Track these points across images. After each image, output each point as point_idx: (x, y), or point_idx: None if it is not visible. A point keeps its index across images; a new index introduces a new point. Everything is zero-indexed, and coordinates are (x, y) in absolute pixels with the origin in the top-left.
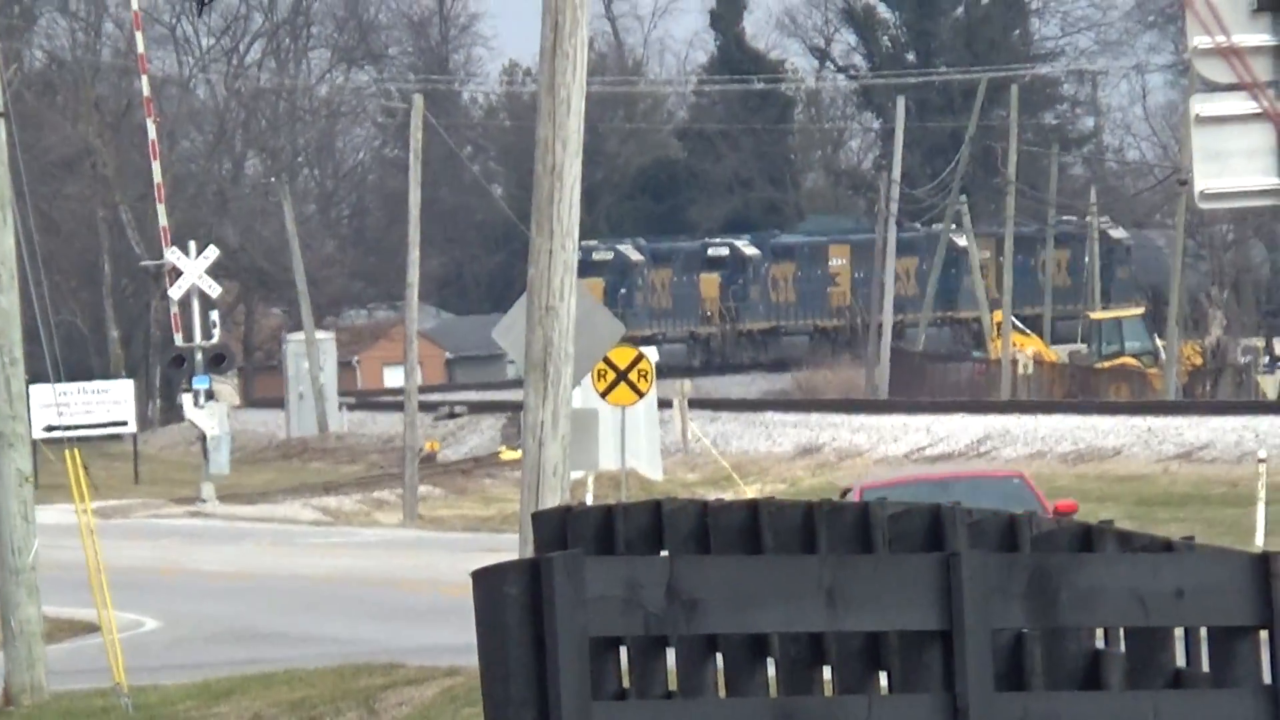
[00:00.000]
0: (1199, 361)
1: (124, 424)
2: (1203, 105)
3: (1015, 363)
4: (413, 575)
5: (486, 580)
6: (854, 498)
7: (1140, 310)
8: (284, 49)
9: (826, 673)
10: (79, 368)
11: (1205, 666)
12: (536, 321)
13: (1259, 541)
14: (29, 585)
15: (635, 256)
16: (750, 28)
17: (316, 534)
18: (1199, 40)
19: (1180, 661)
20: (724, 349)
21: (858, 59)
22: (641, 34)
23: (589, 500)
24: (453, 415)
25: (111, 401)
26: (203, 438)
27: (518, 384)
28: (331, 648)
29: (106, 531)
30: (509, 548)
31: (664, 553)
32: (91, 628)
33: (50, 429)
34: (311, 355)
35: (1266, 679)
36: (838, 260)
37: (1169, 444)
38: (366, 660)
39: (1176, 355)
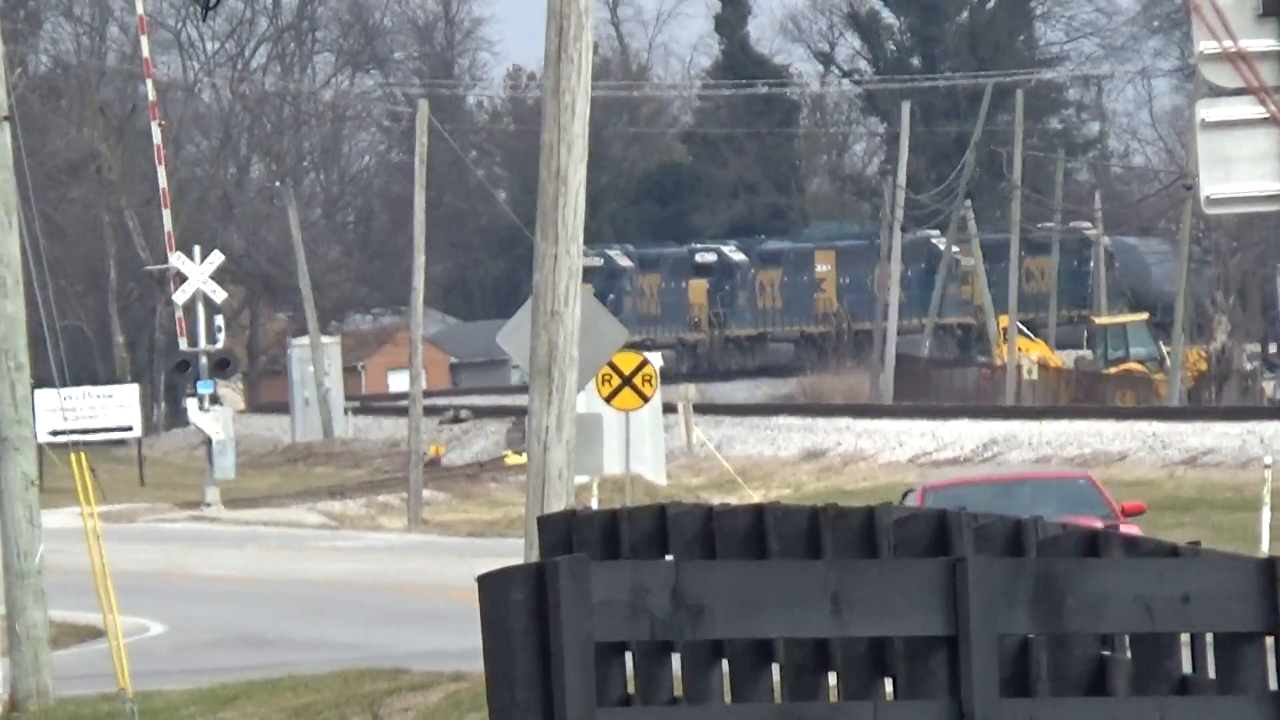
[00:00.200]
0: (1204, 367)
1: (129, 428)
2: (1209, 110)
3: (1020, 368)
4: (417, 580)
5: (492, 585)
6: (916, 499)
7: (1145, 316)
8: (289, 53)
9: (832, 678)
10: (84, 372)
11: (1211, 672)
12: (541, 326)
13: (1264, 547)
14: (34, 590)
15: (624, 262)
16: (754, 32)
17: (321, 538)
18: (1205, 45)
19: (1186, 668)
20: (711, 355)
21: (862, 63)
22: (646, 39)
23: (594, 505)
24: (457, 420)
25: (116, 406)
26: (207, 442)
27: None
28: (336, 653)
29: (111, 536)
30: (514, 552)
31: (669, 557)
32: (97, 632)
33: (55, 433)
34: (316, 360)
35: (1273, 685)
36: (823, 266)
37: (1174, 449)
38: (371, 665)
39: (1181, 360)
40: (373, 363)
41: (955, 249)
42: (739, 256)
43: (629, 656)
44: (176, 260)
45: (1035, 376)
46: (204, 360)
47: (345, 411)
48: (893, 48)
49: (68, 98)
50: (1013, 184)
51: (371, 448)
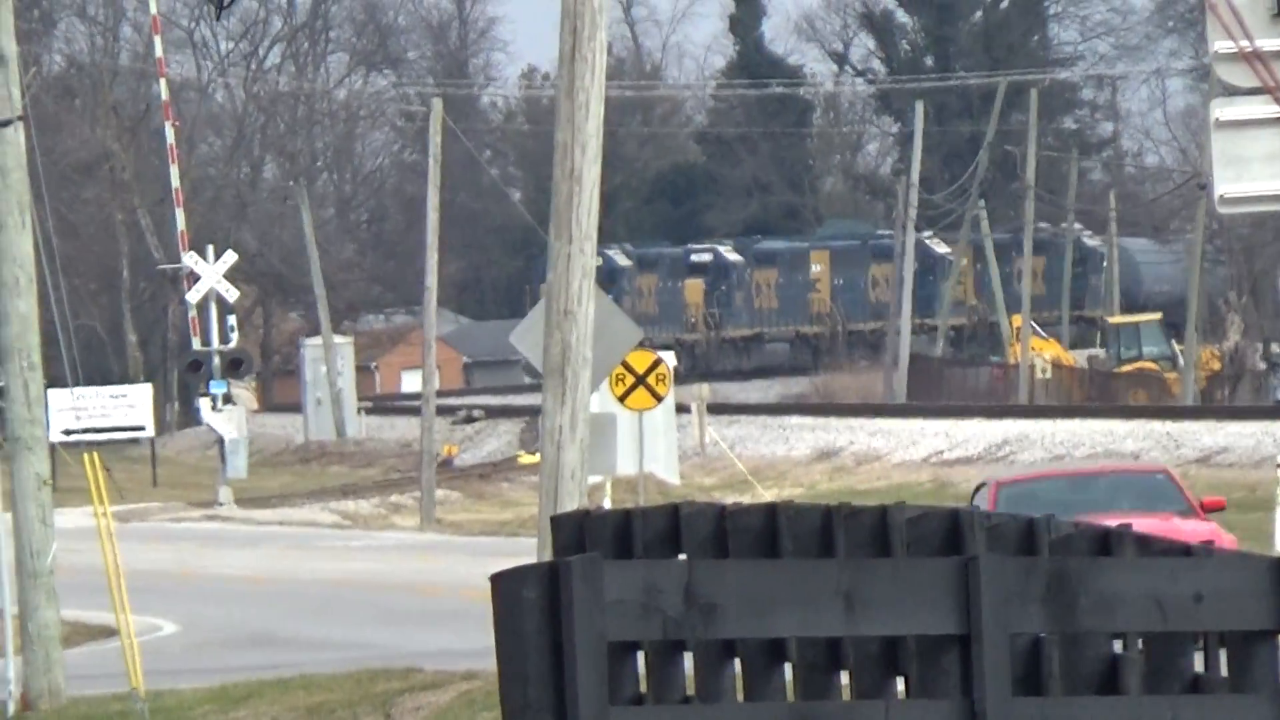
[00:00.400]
0: (1217, 366)
1: (141, 428)
2: (1223, 110)
3: (1034, 367)
4: (430, 579)
5: (505, 584)
6: (989, 494)
7: (1159, 315)
8: (302, 53)
9: (844, 677)
10: (97, 372)
11: (1224, 672)
12: (555, 326)
13: (1277, 546)
14: (47, 589)
15: (623, 262)
16: (769, 32)
17: (334, 538)
18: (1220, 45)
19: (1198, 666)
20: (709, 355)
21: (876, 63)
22: (660, 38)
23: (606, 504)
24: (470, 420)
25: (129, 406)
26: (220, 442)
27: (535, 388)
28: (349, 652)
29: (124, 535)
30: (527, 552)
31: (681, 557)
32: (109, 632)
33: (68, 433)
34: (329, 360)
35: None
36: (818, 266)
37: (1187, 449)
38: (384, 665)
39: (1195, 360)
40: (386, 362)
41: (947, 249)
42: (735, 256)
43: (641, 655)
44: (190, 260)
45: (1049, 376)
46: (217, 360)
47: (358, 411)
48: (907, 48)
49: (81, 97)
50: (1026, 184)
51: (384, 447)
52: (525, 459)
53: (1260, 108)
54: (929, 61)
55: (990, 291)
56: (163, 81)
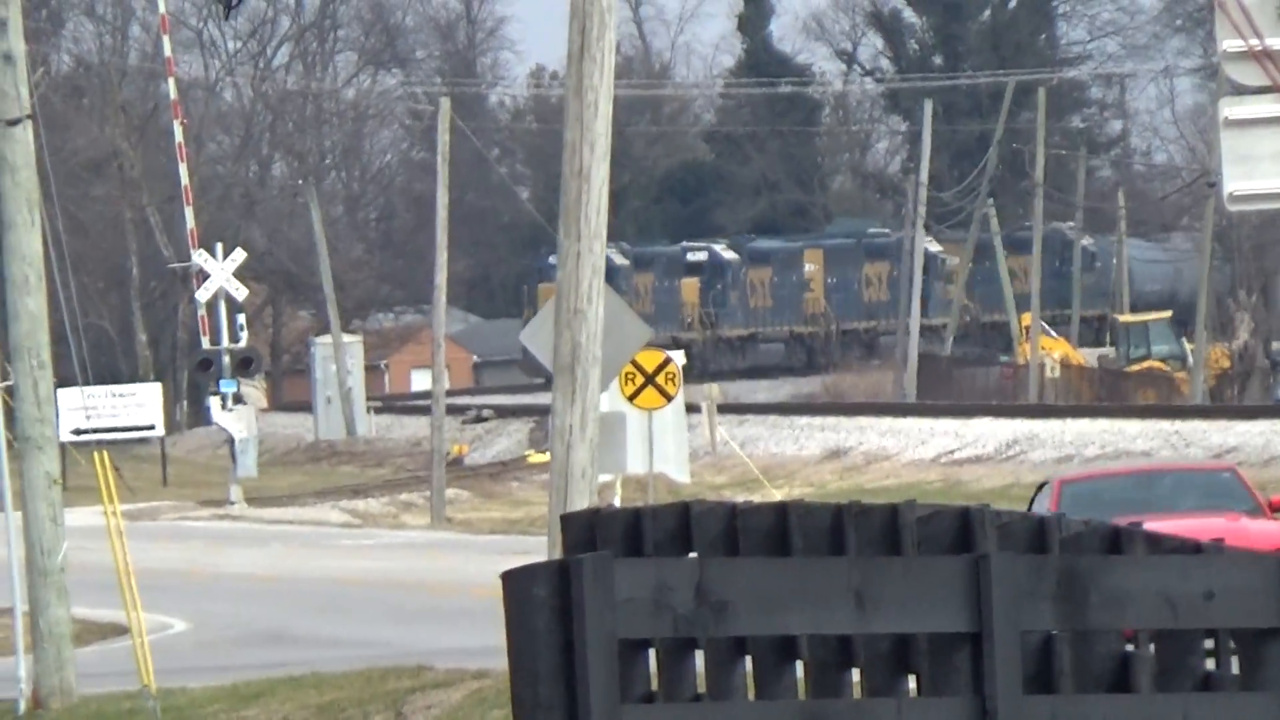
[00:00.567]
0: (1226, 365)
1: (151, 427)
2: (1232, 108)
3: (1043, 366)
4: (441, 578)
5: (516, 582)
6: (1052, 493)
7: (1168, 314)
8: (311, 52)
9: (855, 675)
10: (107, 371)
11: (1235, 669)
12: (564, 324)
13: None
14: (58, 587)
15: (619, 260)
16: (777, 31)
17: (344, 536)
18: (1229, 43)
19: (1209, 664)
20: (704, 355)
21: (884, 62)
22: (668, 37)
23: (616, 503)
24: (480, 419)
25: (138, 405)
26: (230, 441)
27: (545, 387)
28: (359, 650)
29: (134, 534)
30: (537, 550)
31: (692, 555)
32: (120, 630)
33: (78, 432)
34: (339, 358)
35: None
36: (811, 266)
37: (1196, 447)
38: (394, 663)
39: (1204, 359)
40: (395, 361)
41: (939, 248)
42: (730, 255)
43: (652, 653)
44: (199, 258)
45: (1058, 375)
46: (226, 358)
47: (368, 410)
48: (915, 47)
49: (90, 96)
50: (1035, 182)
51: (394, 446)
52: (535, 458)
53: (1269, 106)
54: (937, 61)
55: (981, 291)
56: (171, 80)
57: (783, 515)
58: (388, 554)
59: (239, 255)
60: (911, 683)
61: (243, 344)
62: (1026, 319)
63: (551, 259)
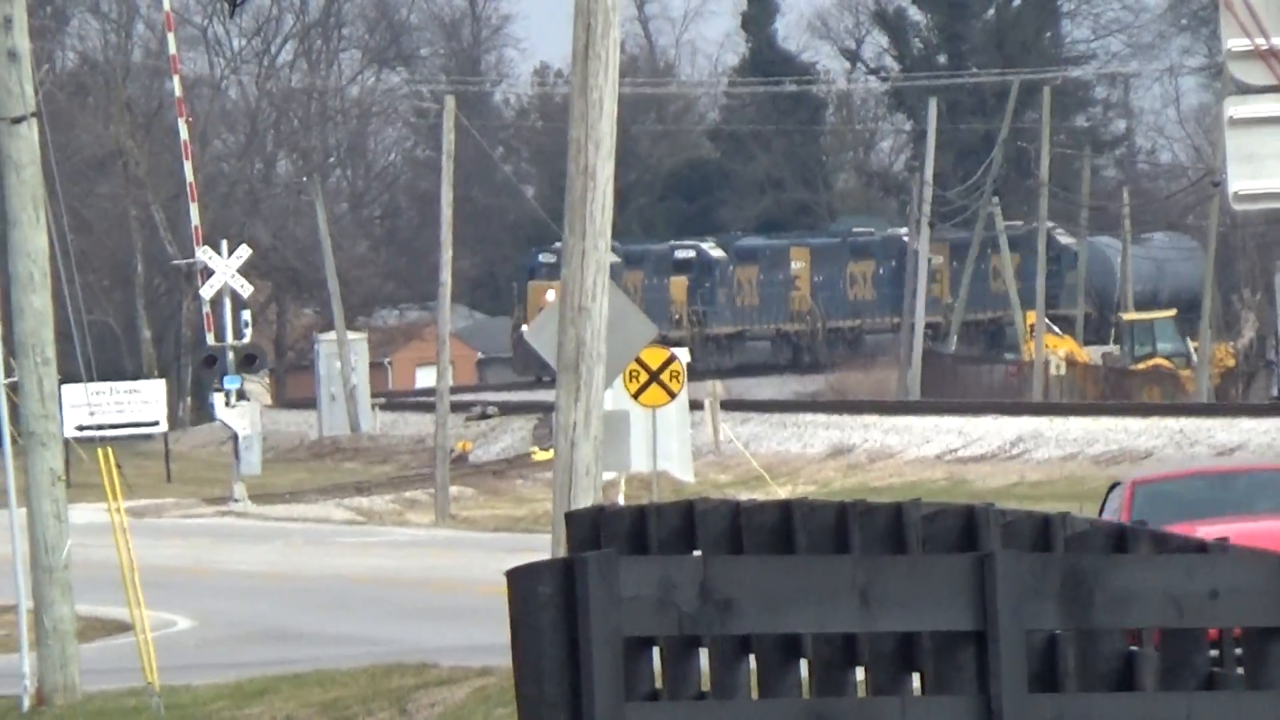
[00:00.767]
0: (1231, 363)
1: (155, 424)
2: (1237, 108)
3: (1048, 364)
4: (445, 575)
5: (521, 579)
6: (1124, 494)
7: (1173, 312)
8: (315, 50)
9: (859, 674)
10: (111, 367)
11: (1239, 668)
12: (569, 322)
13: None
14: (62, 584)
15: (610, 259)
16: (782, 30)
17: (348, 534)
18: (1234, 42)
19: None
20: (693, 353)
21: (889, 61)
22: (673, 35)
23: (620, 501)
24: (484, 416)
25: (142, 401)
26: (234, 438)
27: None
28: (363, 647)
29: (138, 531)
30: (541, 548)
31: (696, 553)
32: (124, 627)
33: (82, 428)
34: (343, 355)
35: None
36: (798, 264)
37: (1201, 446)
38: (398, 660)
39: (1209, 357)
40: (400, 358)
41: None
42: (718, 253)
43: (657, 651)
44: (203, 255)
45: (1063, 373)
46: (231, 355)
47: (372, 407)
48: (919, 45)
49: (94, 94)
50: (1039, 181)
51: (398, 443)
52: (539, 455)
53: (1274, 105)
54: (942, 59)
55: (969, 289)
56: (176, 78)
57: (787, 513)
58: (391, 551)
59: (244, 252)
60: (916, 681)
61: (247, 341)
62: (1031, 317)
63: (541, 257)
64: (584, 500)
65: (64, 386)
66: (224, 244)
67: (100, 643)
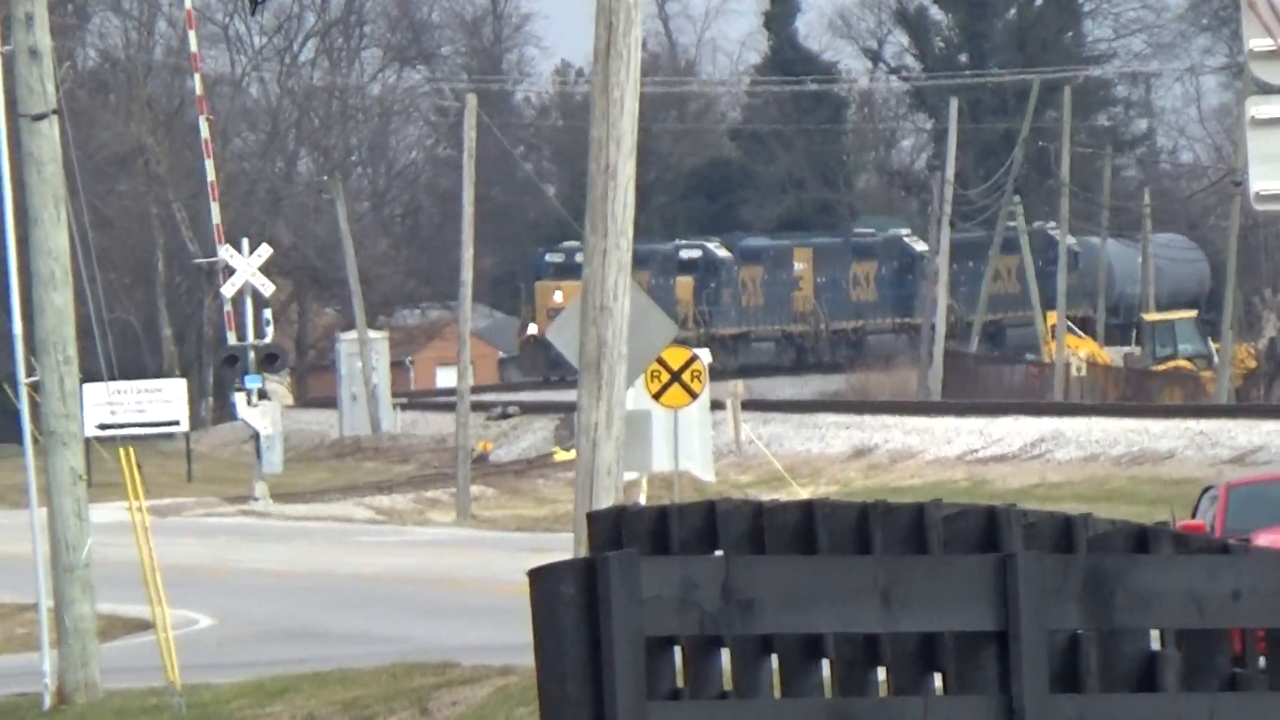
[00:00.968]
0: (1253, 364)
1: (176, 423)
2: (1258, 107)
3: (1069, 365)
4: (466, 574)
5: (543, 579)
6: (1219, 497)
7: (1194, 313)
8: (337, 48)
9: (881, 674)
10: (132, 366)
11: (1262, 669)
12: (590, 321)
13: None
14: (83, 583)
15: None
16: (803, 28)
17: (369, 533)
18: (1256, 42)
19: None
20: None
21: (910, 60)
22: (694, 34)
23: (641, 501)
24: (505, 416)
25: (164, 400)
26: (255, 437)
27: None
28: (384, 646)
29: (159, 530)
30: (562, 548)
31: (718, 553)
32: (145, 626)
33: (103, 427)
34: (364, 355)
35: None
36: (800, 264)
37: (1222, 447)
38: (419, 659)
39: (1230, 358)
40: (421, 358)
41: (926, 247)
42: (724, 254)
43: (679, 651)
44: (225, 253)
45: (1084, 374)
46: (252, 354)
47: (393, 407)
48: (941, 44)
49: (115, 92)
50: (1061, 180)
51: (419, 443)
52: (560, 455)
53: None
54: (963, 58)
55: (966, 290)
56: (197, 76)
57: (809, 514)
58: (412, 551)
59: (265, 251)
60: (938, 681)
61: (268, 340)
62: (1052, 318)
63: (549, 257)
64: (605, 500)
65: (85, 385)
66: (245, 242)
67: (121, 641)
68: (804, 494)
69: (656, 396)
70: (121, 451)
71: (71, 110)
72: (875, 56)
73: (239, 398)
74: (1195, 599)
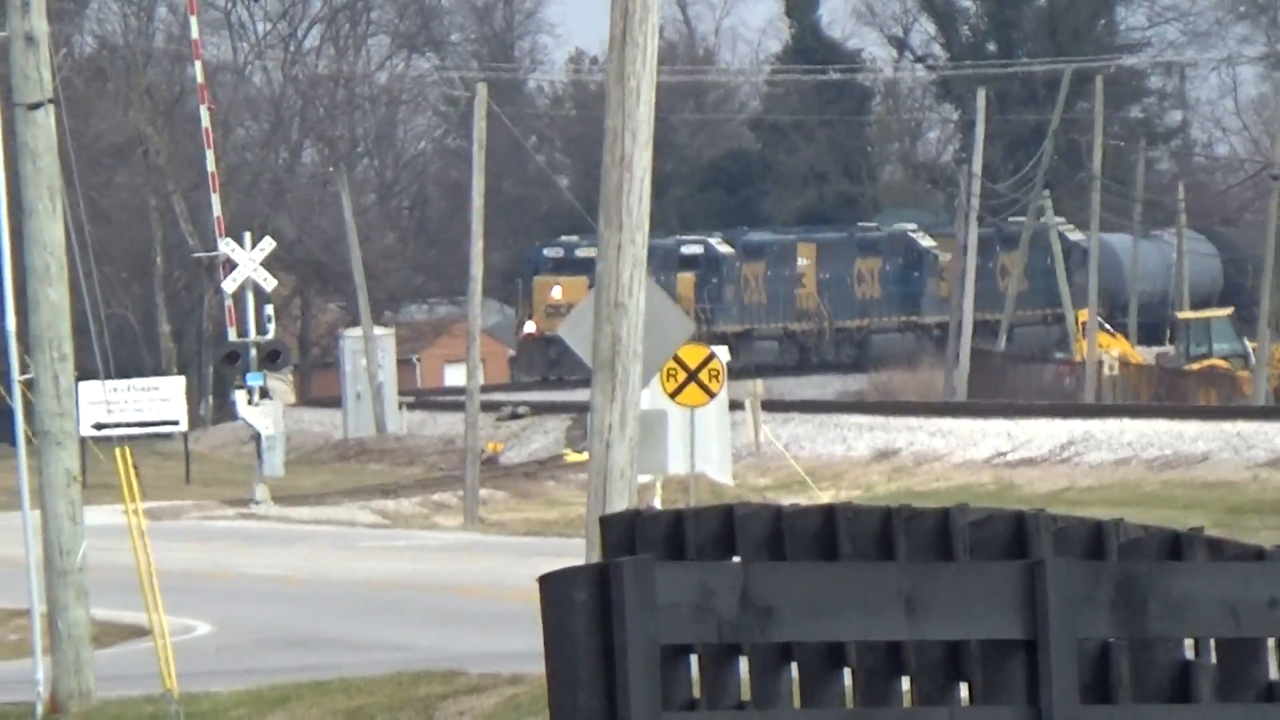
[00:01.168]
0: None
1: (175, 422)
2: None
3: (1100, 365)
4: (474, 580)
5: (554, 585)
6: None
7: (1229, 311)
8: (343, 35)
9: (905, 684)
10: (129, 363)
11: None
12: (605, 318)
13: None
14: (77, 587)
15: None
16: (826, 16)
17: (374, 537)
18: None
19: (1273, 673)
20: None
21: (937, 49)
22: (713, 21)
23: (657, 505)
24: (516, 416)
25: (162, 399)
26: (256, 437)
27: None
28: (389, 654)
29: (156, 533)
30: (574, 553)
31: (736, 559)
32: (141, 632)
33: (99, 427)
34: (370, 352)
35: None
36: (804, 260)
37: (1259, 450)
38: (425, 668)
39: (1268, 357)
40: (428, 355)
41: (932, 243)
42: (726, 249)
43: (695, 660)
44: (225, 247)
45: (1116, 373)
46: (253, 351)
47: (399, 406)
48: (968, 33)
49: (114, 80)
50: (1092, 174)
51: (426, 444)
52: (572, 457)
53: None
54: (991, 47)
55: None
56: (198, 64)
57: (830, 518)
58: (419, 556)
59: (267, 244)
60: (964, 691)
61: (270, 336)
62: (1083, 315)
63: (546, 251)
64: (619, 504)
65: (80, 383)
66: (247, 236)
67: (117, 648)
68: (825, 498)
69: (673, 396)
70: (118, 452)
71: (68, 99)
72: (901, 45)
73: (239, 396)
74: (1231, 607)
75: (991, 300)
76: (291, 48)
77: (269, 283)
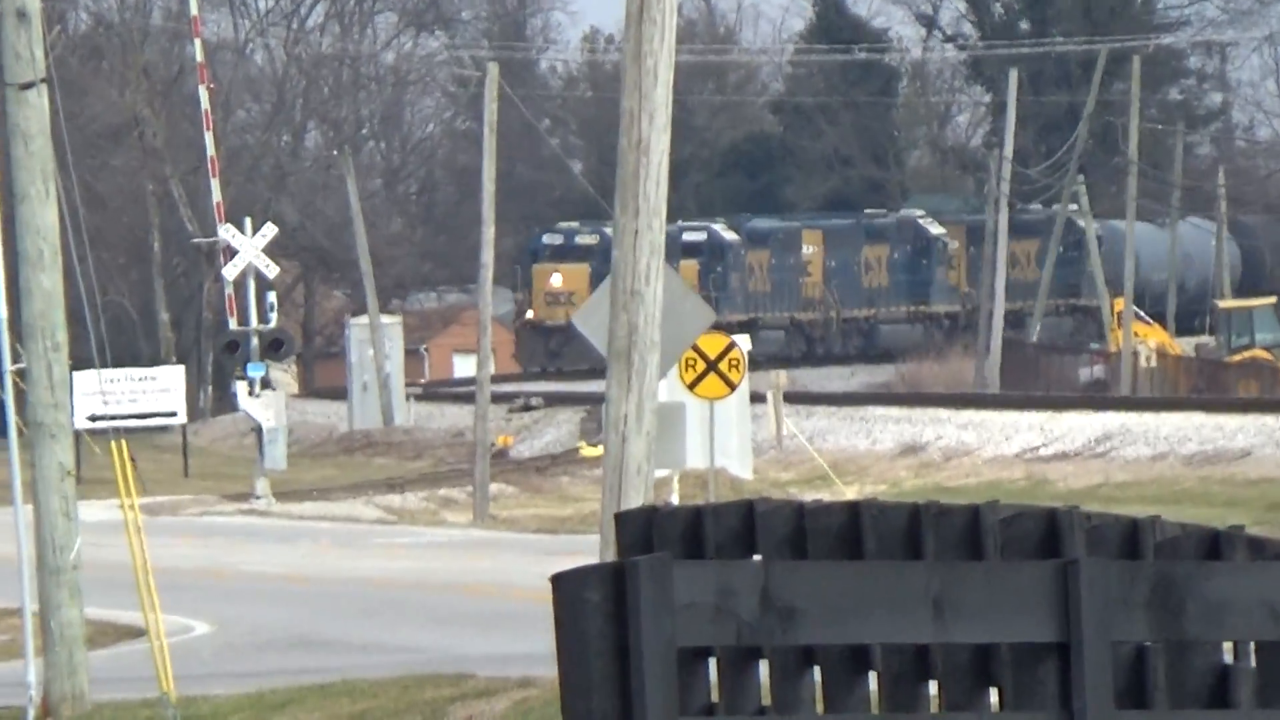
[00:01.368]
0: None
1: (173, 414)
2: None
3: (1137, 356)
4: (483, 579)
5: (567, 585)
6: None
7: (1273, 300)
8: (348, 12)
9: (933, 688)
10: (126, 353)
11: None
12: (620, 306)
13: None
14: (70, 586)
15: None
16: None
17: (379, 534)
18: None
19: None
20: None
21: (967, 27)
22: None
23: (674, 501)
24: (528, 408)
25: (160, 390)
26: (258, 430)
27: (598, 375)
28: (395, 656)
29: (154, 529)
30: (587, 550)
31: (756, 557)
32: (137, 632)
33: (94, 419)
34: (376, 341)
35: None
36: (810, 248)
37: None
38: (433, 670)
39: None
40: (436, 345)
41: (941, 230)
42: (730, 236)
43: (714, 662)
44: (226, 233)
45: (1154, 364)
46: (255, 341)
47: (406, 397)
48: (1000, 11)
49: (109, 59)
50: (1128, 158)
51: (434, 437)
52: (587, 451)
53: None
54: (1024, 26)
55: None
56: (197, 42)
57: (855, 515)
58: (426, 553)
59: (269, 230)
60: (994, 696)
61: (272, 325)
62: (1119, 304)
63: (545, 238)
64: (635, 500)
65: (75, 373)
66: (248, 221)
67: (111, 649)
68: (849, 494)
69: (691, 387)
70: (113, 445)
71: (62, 78)
72: (929, 23)
73: (240, 387)
74: (1272, 609)
75: (1008, 289)
76: (295, 25)
77: (271, 270)
